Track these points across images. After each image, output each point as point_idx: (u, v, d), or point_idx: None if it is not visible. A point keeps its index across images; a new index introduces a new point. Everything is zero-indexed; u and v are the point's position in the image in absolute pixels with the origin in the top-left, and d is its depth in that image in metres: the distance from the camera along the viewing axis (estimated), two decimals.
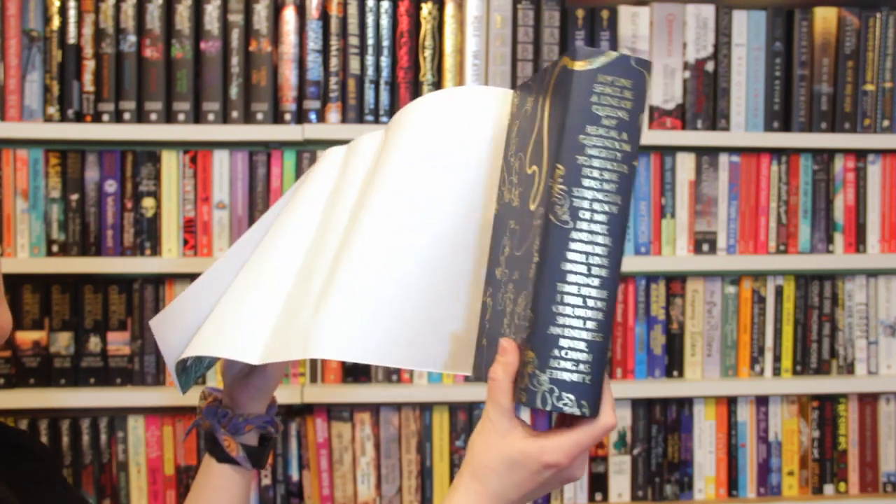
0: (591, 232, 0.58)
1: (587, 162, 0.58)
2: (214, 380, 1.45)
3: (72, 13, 1.41)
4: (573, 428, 0.59)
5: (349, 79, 1.45)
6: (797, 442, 1.57)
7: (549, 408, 0.58)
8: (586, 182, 0.58)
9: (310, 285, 0.72)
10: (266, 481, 1.46)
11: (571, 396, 0.58)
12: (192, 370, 0.86)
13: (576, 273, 0.58)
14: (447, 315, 0.69)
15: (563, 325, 0.58)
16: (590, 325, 0.58)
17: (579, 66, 0.58)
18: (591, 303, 0.58)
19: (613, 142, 0.58)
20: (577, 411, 0.58)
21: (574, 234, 0.58)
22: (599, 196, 0.58)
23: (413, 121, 0.73)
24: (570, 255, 0.58)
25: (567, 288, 0.58)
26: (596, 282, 0.58)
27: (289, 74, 1.44)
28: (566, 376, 0.58)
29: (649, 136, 1.49)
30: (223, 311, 0.78)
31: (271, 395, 0.88)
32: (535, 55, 1.48)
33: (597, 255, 0.58)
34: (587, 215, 0.58)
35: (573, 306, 0.58)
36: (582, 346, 0.58)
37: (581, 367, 0.58)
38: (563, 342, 0.58)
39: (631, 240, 1.51)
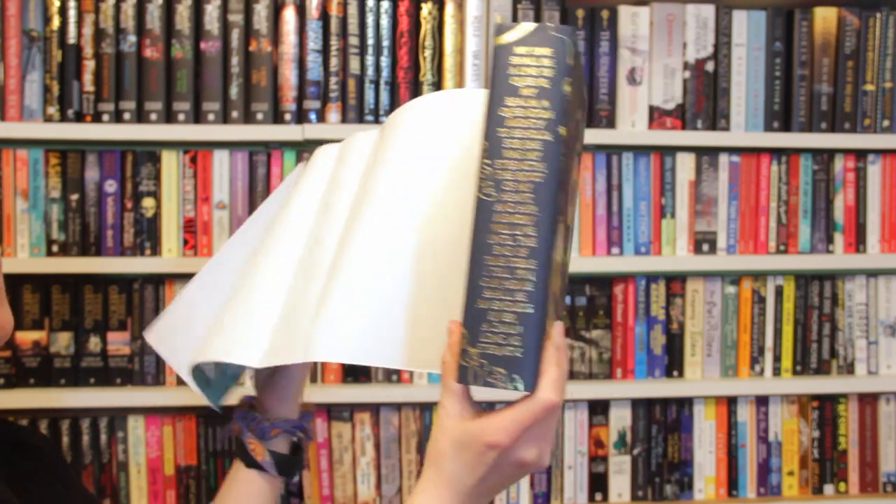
0: (515, 203, 0.57)
1: (507, 133, 0.58)
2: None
3: (72, 13, 1.41)
4: (514, 406, 0.58)
5: (349, 79, 1.45)
6: (797, 442, 1.57)
7: (480, 384, 0.57)
8: (507, 153, 0.58)
9: (309, 285, 0.71)
10: None
11: (502, 371, 0.57)
12: (218, 381, 0.84)
13: (501, 245, 0.57)
14: (446, 316, 0.68)
15: (492, 298, 0.57)
16: (519, 296, 0.57)
17: (498, 41, 0.59)
18: (519, 273, 0.57)
19: (534, 110, 0.58)
20: (508, 386, 0.57)
21: (498, 207, 0.58)
22: (523, 166, 0.57)
23: (411, 120, 0.73)
24: (495, 227, 0.58)
25: (493, 261, 0.57)
26: (524, 252, 0.57)
27: (289, 74, 1.44)
28: (496, 350, 0.57)
29: (649, 136, 1.49)
30: (223, 314, 0.77)
31: (299, 399, 0.86)
32: None
33: (523, 225, 0.57)
34: (511, 186, 0.57)
35: (500, 278, 0.57)
36: (511, 318, 0.57)
37: (512, 339, 0.57)
38: (491, 315, 0.57)
39: (631, 240, 1.51)
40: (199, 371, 0.79)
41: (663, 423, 1.54)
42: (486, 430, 0.58)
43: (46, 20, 1.41)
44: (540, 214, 0.57)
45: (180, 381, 1.45)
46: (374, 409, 1.49)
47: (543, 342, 0.57)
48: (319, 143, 1.45)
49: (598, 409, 1.53)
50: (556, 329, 0.60)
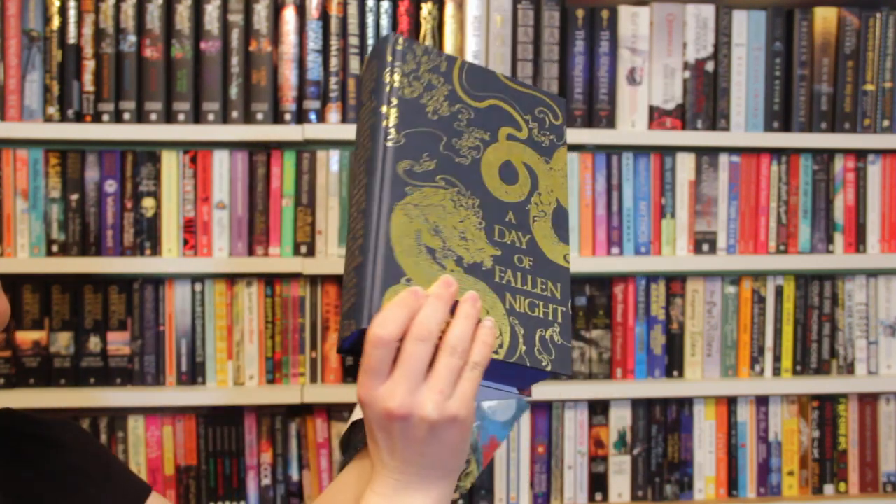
0: (358, 181, 0.63)
1: (359, 129, 0.66)
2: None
3: (72, 13, 1.41)
4: None
5: (349, 79, 1.45)
6: (797, 442, 1.57)
7: (346, 345, 0.60)
8: (359, 144, 0.65)
9: None
10: (266, 481, 1.46)
11: (351, 321, 0.59)
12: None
13: (353, 222, 0.62)
14: None
15: (348, 270, 0.61)
16: (356, 253, 0.60)
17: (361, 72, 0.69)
18: (356, 234, 0.61)
19: (369, 108, 0.65)
20: (348, 332, 0.59)
21: (352, 192, 0.64)
22: (361, 152, 0.64)
23: None
24: (351, 211, 0.63)
25: (351, 240, 0.62)
26: (360, 216, 0.61)
27: (289, 74, 1.44)
28: (346, 307, 0.60)
29: (649, 136, 1.49)
30: None
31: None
32: (535, 55, 1.48)
33: (361, 195, 0.62)
34: (357, 172, 0.64)
35: (351, 249, 0.61)
36: (353, 274, 0.60)
37: (352, 291, 0.60)
38: (346, 280, 0.61)
39: (631, 240, 1.51)
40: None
41: (663, 423, 1.54)
42: (357, 393, 0.58)
43: (46, 20, 1.41)
44: (369, 179, 0.61)
45: (180, 381, 1.45)
46: None
47: (385, 287, 0.58)
48: (319, 142, 1.47)
49: (598, 409, 1.53)
50: (441, 281, 0.58)
